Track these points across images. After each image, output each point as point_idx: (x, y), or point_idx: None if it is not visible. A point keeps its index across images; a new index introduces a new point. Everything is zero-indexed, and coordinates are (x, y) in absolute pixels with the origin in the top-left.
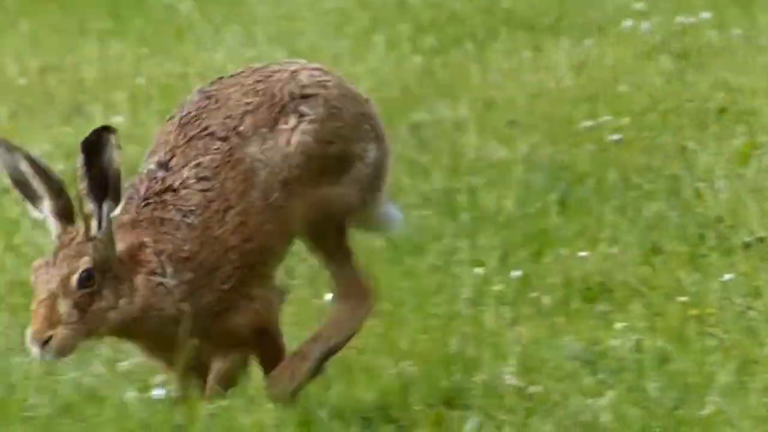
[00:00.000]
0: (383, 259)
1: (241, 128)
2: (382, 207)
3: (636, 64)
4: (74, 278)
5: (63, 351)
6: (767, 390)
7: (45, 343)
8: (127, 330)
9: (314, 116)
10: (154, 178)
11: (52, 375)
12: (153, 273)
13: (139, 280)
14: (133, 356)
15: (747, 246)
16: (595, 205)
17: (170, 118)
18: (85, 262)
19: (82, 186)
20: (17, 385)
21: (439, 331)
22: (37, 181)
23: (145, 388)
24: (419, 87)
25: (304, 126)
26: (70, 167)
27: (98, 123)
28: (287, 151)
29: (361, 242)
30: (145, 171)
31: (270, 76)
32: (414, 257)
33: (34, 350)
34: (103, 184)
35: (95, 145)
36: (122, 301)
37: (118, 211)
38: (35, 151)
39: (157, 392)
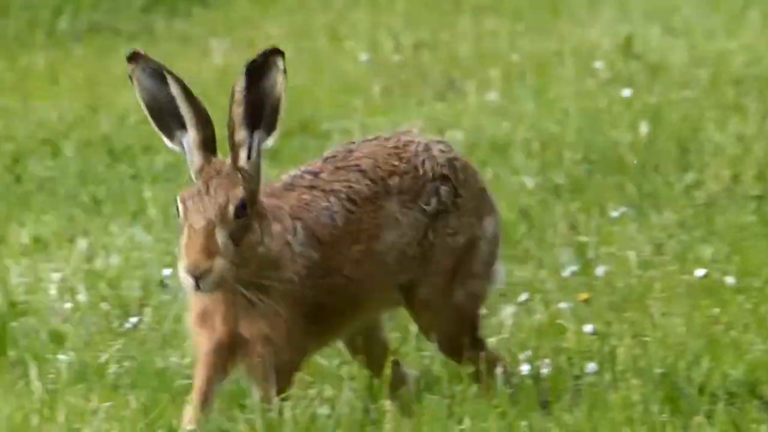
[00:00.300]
0: (753, 235)
1: (389, 182)
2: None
3: None
4: (231, 207)
5: (221, 284)
6: None
7: (202, 274)
8: (256, 275)
9: (449, 204)
10: (302, 177)
11: (421, 351)
12: (286, 230)
13: (276, 227)
14: (499, 333)
15: None
16: None
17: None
18: (240, 191)
19: (238, 111)
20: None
21: None
22: (185, 107)
23: (513, 364)
24: None
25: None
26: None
27: (471, 99)
28: (415, 234)
29: (731, 219)
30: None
31: (407, 145)
32: None
33: (190, 282)
34: (259, 111)
35: (260, 68)
36: (266, 239)
37: (270, 142)
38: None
39: (524, 368)
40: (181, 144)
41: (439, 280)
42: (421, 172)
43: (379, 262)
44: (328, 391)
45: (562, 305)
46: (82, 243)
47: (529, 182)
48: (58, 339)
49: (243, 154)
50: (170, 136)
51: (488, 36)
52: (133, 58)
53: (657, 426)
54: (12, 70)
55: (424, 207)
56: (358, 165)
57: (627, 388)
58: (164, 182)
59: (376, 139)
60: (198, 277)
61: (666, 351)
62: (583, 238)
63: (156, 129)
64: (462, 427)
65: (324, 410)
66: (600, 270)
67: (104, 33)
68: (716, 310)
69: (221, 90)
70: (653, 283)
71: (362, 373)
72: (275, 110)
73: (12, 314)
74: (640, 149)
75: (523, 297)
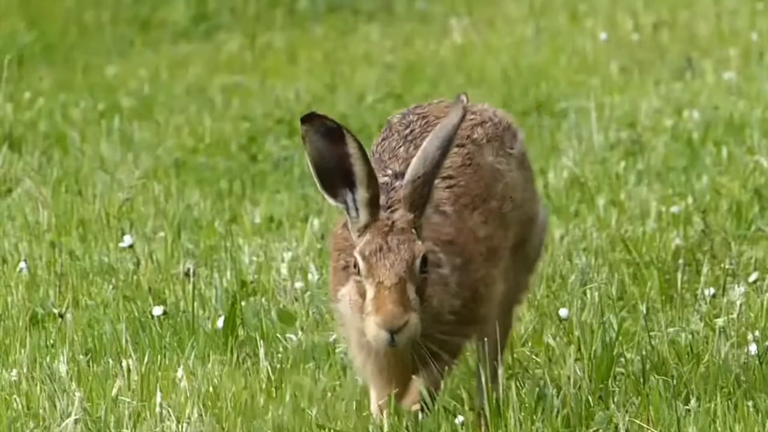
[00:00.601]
0: None
1: (475, 136)
2: None
3: None
4: (418, 262)
5: (413, 338)
6: None
7: (399, 329)
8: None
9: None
10: (393, 188)
11: (649, 331)
12: (435, 265)
13: (433, 274)
14: (728, 313)
15: None
16: None
17: (382, 141)
18: (421, 246)
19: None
20: (613, 341)
21: None
22: (359, 166)
23: (741, 344)
24: None
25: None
26: (678, 122)
27: (709, 79)
28: (515, 175)
29: None
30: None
31: (471, 106)
32: None
33: (384, 337)
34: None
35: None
36: (438, 288)
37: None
38: (645, 106)
39: (752, 348)
40: (344, 202)
41: (539, 231)
42: (496, 120)
43: (500, 218)
44: (555, 371)
45: None
46: (315, 223)
47: (765, 162)
48: (287, 319)
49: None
50: (334, 194)
51: (727, 15)
52: (308, 119)
53: None
54: (251, 49)
55: (510, 151)
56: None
57: None
58: None
59: (430, 106)
60: (395, 332)
61: None
62: None
63: (320, 187)
64: (688, 407)
65: (550, 390)
66: None
67: (343, 12)
68: None
69: (459, 69)
70: None
71: (587, 353)
72: (436, 164)
73: (243, 293)
74: None
75: (754, 277)
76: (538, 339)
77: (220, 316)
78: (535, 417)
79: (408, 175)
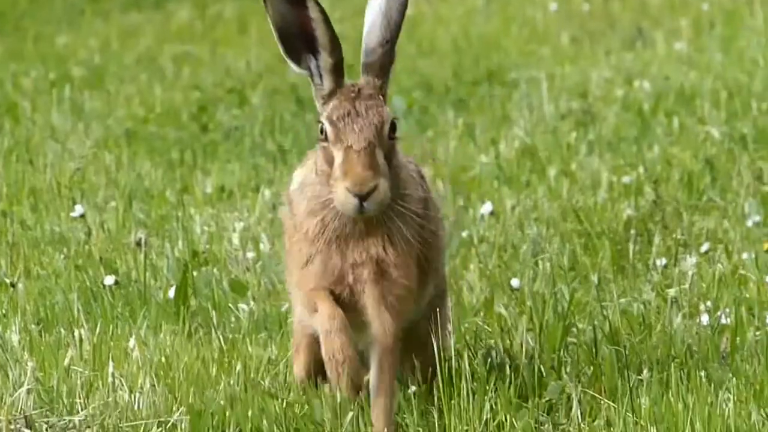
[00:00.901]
0: None
1: None
2: None
3: None
4: (386, 127)
5: (382, 204)
6: None
7: (369, 193)
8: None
9: None
10: None
11: (601, 301)
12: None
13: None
14: (680, 283)
15: None
16: None
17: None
18: (390, 112)
19: (376, 33)
20: (565, 311)
21: None
22: (321, 31)
23: (693, 314)
24: None
25: None
26: (629, 92)
27: (660, 49)
28: None
29: None
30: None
31: None
32: None
33: (353, 202)
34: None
35: None
36: (401, 160)
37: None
38: (596, 77)
39: (704, 319)
40: (308, 68)
41: None
42: None
43: None
44: (507, 341)
45: (745, 255)
46: (266, 193)
47: (715, 132)
48: (239, 288)
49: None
50: (297, 60)
51: None
52: None
53: None
54: (201, 18)
55: None
56: None
57: None
58: None
59: None
60: (363, 198)
61: None
62: None
63: (283, 52)
64: (640, 377)
65: (502, 360)
66: None
67: None
68: None
69: (410, 39)
70: None
71: (538, 323)
72: (399, 26)
73: (194, 263)
74: None
75: (705, 247)
76: (489, 309)
77: (171, 285)
78: (487, 387)
79: (373, 41)
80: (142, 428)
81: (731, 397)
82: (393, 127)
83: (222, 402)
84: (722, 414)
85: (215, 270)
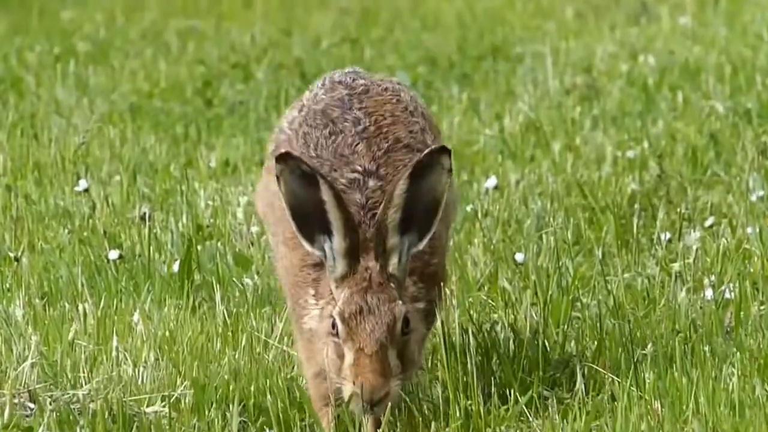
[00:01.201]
0: None
1: (429, 141)
2: None
3: None
4: (399, 326)
5: (395, 406)
6: None
7: (380, 400)
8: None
9: None
10: (367, 187)
11: (605, 276)
12: (414, 299)
13: (411, 308)
14: (684, 258)
15: None
16: None
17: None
18: (402, 306)
19: (394, 216)
20: (569, 285)
21: None
22: (334, 214)
23: (697, 288)
24: None
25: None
26: (634, 66)
27: (664, 24)
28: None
29: None
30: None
31: (398, 92)
32: None
33: (363, 406)
34: (414, 213)
35: (424, 168)
36: (417, 334)
37: (421, 246)
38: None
39: (708, 293)
40: (322, 249)
41: None
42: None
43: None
44: (511, 316)
45: (749, 230)
46: None
47: (720, 107)
48: (243, 262)
49: (394, 261)
50: (311, 240)
51: None
52: (283, 159)
53: None
54: None
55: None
56: (398, 140)
57: None
58: None
59: (370, 87)
60: (374, 404)
61: None
62: None
63: (297, 232)
64: (644, 351)
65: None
66: None
67: None
68: None
69: (414, 14)
70: None
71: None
72: (432, 212)
73: (198, 237)
74: None
75: (710, 221)
76: (494, 283)
77: (176, 260)
78: (491, 361)
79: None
80: (146, 402)
81: (735, 372)
82: (406, 323)
83: (226, 376)
84: (726, 388)
85: (219, 244)
